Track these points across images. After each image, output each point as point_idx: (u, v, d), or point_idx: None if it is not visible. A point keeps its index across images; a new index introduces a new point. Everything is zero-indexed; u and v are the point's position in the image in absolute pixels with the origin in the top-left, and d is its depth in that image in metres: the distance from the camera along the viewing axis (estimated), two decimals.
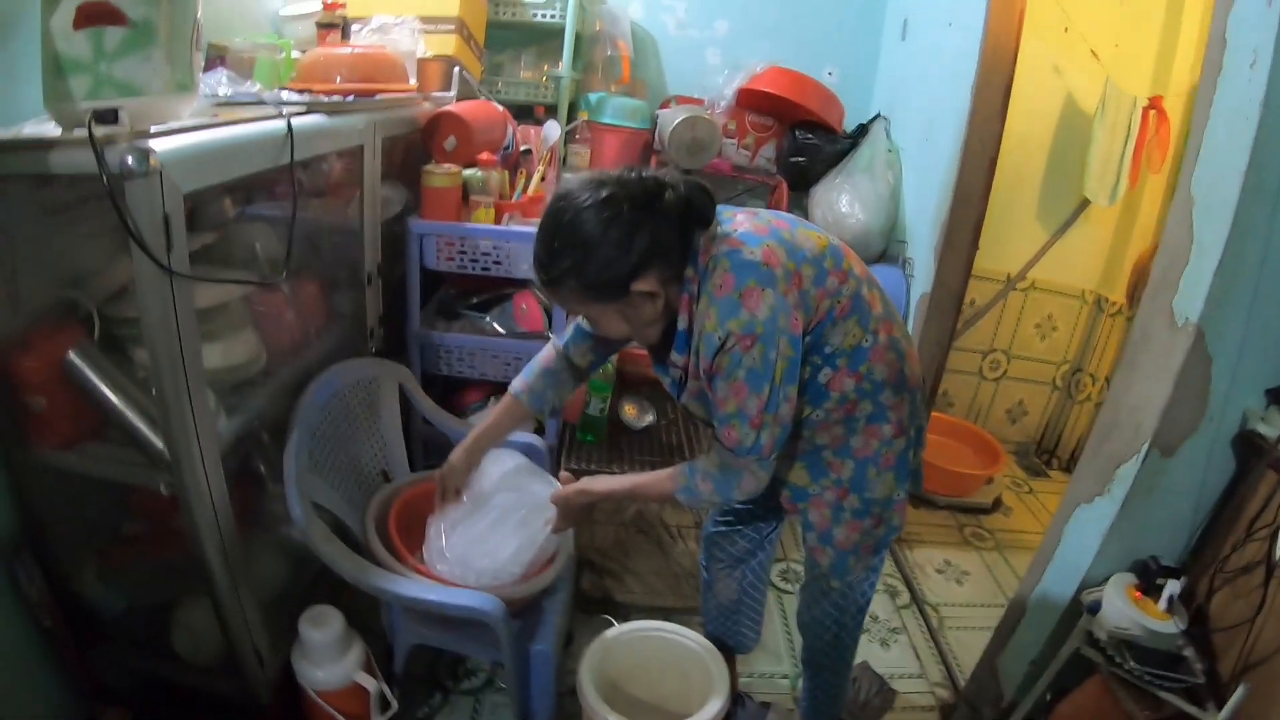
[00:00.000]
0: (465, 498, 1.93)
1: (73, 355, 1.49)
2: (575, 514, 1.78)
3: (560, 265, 1.40)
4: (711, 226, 1.45)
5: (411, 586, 1.75)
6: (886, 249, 3.13)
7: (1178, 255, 1.65)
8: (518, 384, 1.86)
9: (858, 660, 2.15)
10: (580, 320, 1.76)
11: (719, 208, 1.49)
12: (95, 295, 1.57)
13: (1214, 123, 1.59)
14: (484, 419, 1.97)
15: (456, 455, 1.93)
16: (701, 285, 1.41)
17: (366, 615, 1.98)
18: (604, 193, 1.37)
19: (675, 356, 1.53)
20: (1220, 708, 1.63)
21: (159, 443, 1.50)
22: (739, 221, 1.47)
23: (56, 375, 1.50)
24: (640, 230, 1.36)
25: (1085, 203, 3.58)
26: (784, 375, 1.40)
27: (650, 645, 2.01)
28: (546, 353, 1.85)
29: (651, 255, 1.38)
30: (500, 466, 1.99)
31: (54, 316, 1.56)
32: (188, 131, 1.39)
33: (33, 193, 1.48)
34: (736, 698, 2.16)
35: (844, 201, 2.99)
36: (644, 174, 1.41)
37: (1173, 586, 1.73)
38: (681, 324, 1.47)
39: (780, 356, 1.38)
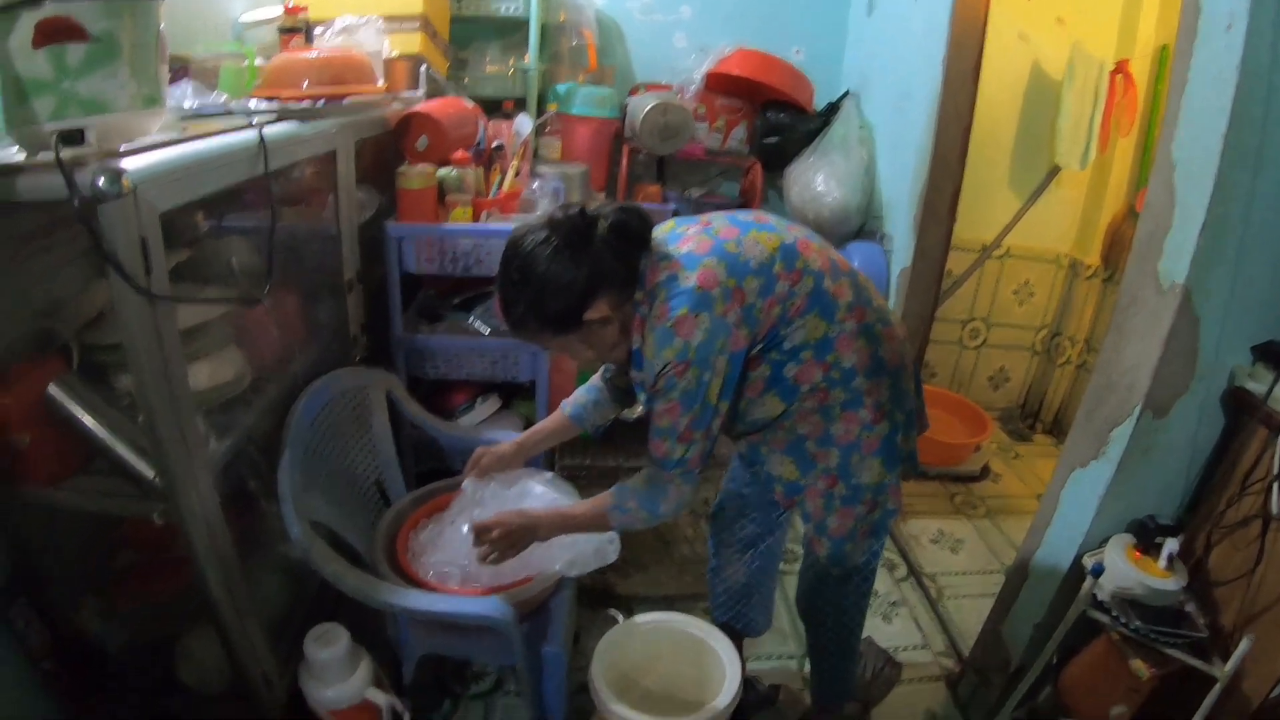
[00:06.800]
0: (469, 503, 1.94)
1: (54, 389, 1.44)
2: (511, 541, 1.73)
3: (518, 308, 1.49)
4: (659, 246, 1.51)
5: (420, 599, 1.74)
6: (864, 225, 3.12)
7: (1161, 219, 1.65)
8: (568, 399, 1.99)
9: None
10: None
11: (677, 221, 1.59)
12: (71, 323, 1.52)
13: (1192, 87, 1.59)
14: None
15: (507, 444, 2.02)
16: (649, 309, 1.47)
17: (370, 626, 1.96)
18: (542, 235, 1.45)
19: (634, 373, 1.59)
20: (1225, 660, 1.65)
21: (150, 472, 1.46)
22: (685, 239, 1.52)
23: (38, 410, 1.44)
24: (579, 263, 1.43)
25: (1056, 168, 3.58)
26: (719, 393, 1.47)
27: (660, 636, 2.00)
28: (597, 375, 1.97)
29: (596, 284, 1.45)
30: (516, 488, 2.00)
31: (30, 349, 1.51)
32: (159, 148, 1.35)
33: (1, 220, 1.43)
34: (744, 682, 2.15)
35: (819, 180, 2.98)
36: (573, 211, 1.47)
37: (1171, 544, 1.75)
38: (635, 344, 1.53)
39: (715, 376, 1.45)
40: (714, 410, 1.48)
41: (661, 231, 1.56)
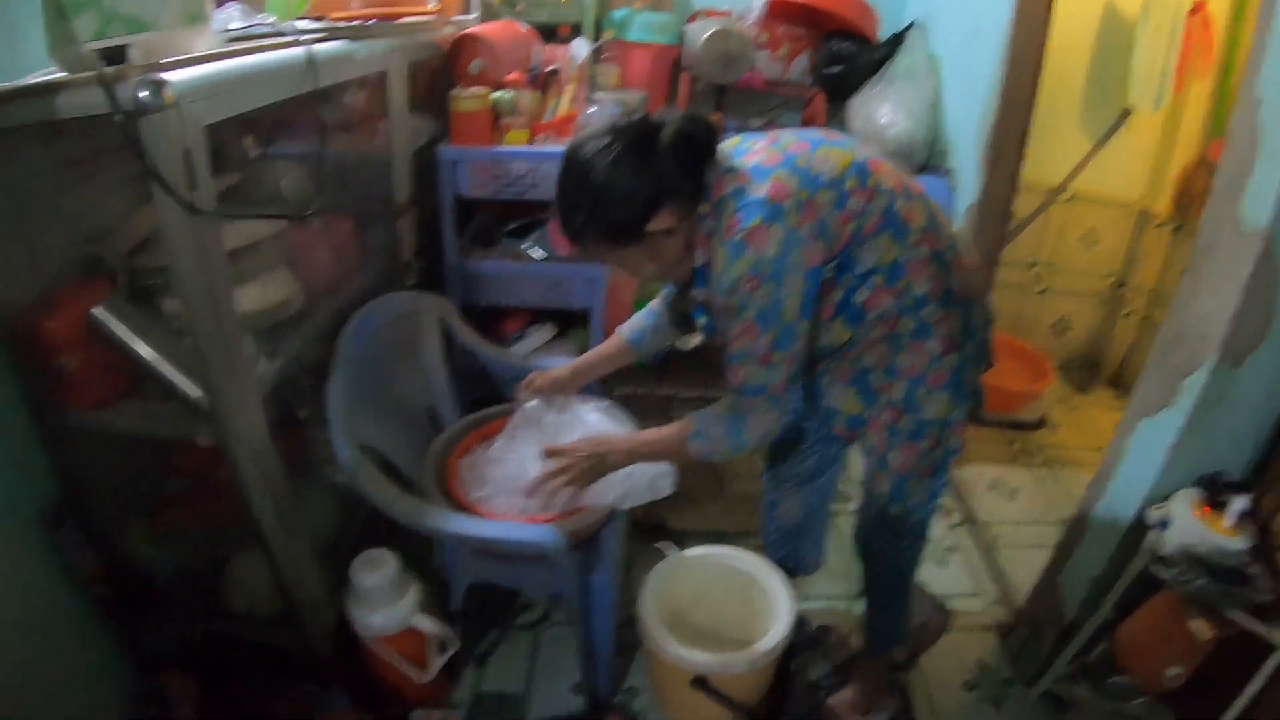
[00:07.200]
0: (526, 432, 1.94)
1: (98, 311, 1.44)
2: (581, 472, 1.71)
3: (578, 219, 1.44)
4: (724, 160, 1.44)
5: (470, 524, 1.73)
6: (929, 159, 3.02)
7: (1243, 160, 1.56)
8: (625, 324, 1.97)
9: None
10: None
11: (743, 136, 1.51)
12: (118, 248, 1.52)
13: None
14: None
15: (563, 367, 2.00)
16: (716, 223, 1.42)
17: (419, 554, 1.97)
18: (603, 142, 1.39)
19: (696, 291, 1.54)
20: None
21: (197, 392, 1.46)
22: (753, 152, 1.45)
23: (84, 334, 1.45)
24: (643, 171, 1.38)
25: (1128, 111, 3.42)
26: (798, 310, 1.41)
27: (712, 571, 2.00)
28: (656, 299, 1.92)
29: (659, 193, 1.40)
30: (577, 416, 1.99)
31: (77, 274, 1.52)
32: (203, 62, 1.31)
33: (44, 148, 1.43)
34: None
35: (884, 111, 2.88)
36: (636, 118, 1.42)
37: (1239, 502, 1.68)
38: (699, 260, 1.48)
39: (791, 293, 1.38)
40: (794, 330, 1.42)
41: (727, 146, 1.49)
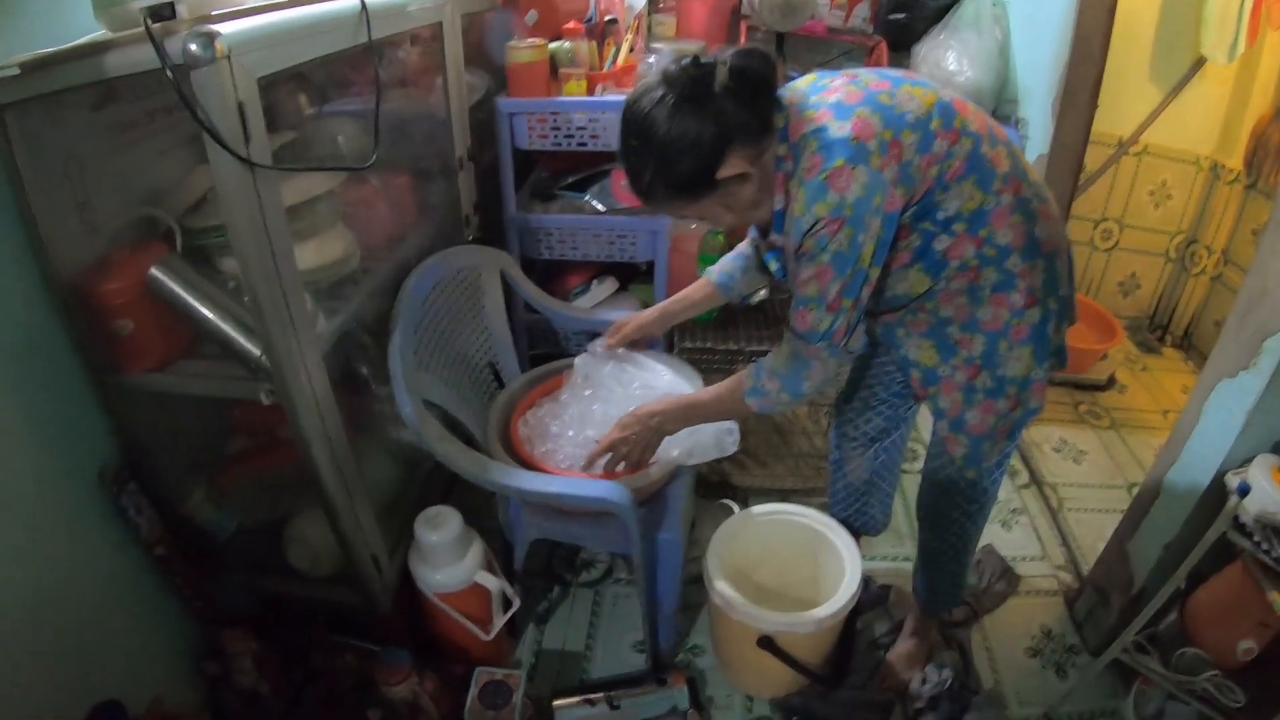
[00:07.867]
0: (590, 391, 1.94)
1: (156, 270, 1.44)
2: (638, 446, 1.70)
3: (645, 176, 1.38)
4: (800, 98, 1.38)
5: (536, 481, 1.72)
6: (997, 109, 2.93)
7: None
8: (714, 266, 1.92)
9: (982, 543, 2.09)
10: None
11: (819, 73, 1.44)
12: (174, 209, 1.51)
13: None
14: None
15: (650, 311, 2.00)
16: (795, 164, 1.36)
17: (481, 512, 1.97)
18: (659, 93, 1.33)
19: (775, 236, 1.48)
20: None
21: (256, 350, 1.44)
22: (832, 89, 1.38)
23: (141, 295, 1.45)
24: (703, 117, 1.31)
25: (1201, 60, 3.29)
26: (871, 258, 1.36)
27: (776, 529, 1.99)
28: (744, 242, 1.87)
29: (726, 138, 1.33)
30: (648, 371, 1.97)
31: (133, 236, 1.51)
32: (254, 14, 1.29)
33: (96, 112, 1.41)
34: None
35: (951, 59, 2.79)
36: (687, 61, 1.33)
37: None
38: (779, 204, 1.42)
39: (869, 238, 1.33)
40: (866, 276, 1.37)
41: (804, 83, 1.43)
